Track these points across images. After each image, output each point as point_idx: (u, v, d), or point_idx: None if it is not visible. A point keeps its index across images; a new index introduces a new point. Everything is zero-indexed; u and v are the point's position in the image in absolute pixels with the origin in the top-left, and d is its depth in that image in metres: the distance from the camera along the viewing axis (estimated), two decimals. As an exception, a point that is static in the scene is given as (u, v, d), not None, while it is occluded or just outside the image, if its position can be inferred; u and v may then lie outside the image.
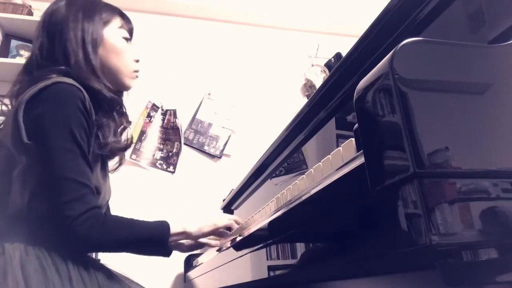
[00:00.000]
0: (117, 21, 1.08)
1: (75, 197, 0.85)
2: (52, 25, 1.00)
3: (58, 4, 1.03)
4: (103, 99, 0.98)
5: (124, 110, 1.10)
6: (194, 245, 1.23)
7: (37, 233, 0.88)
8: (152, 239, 0.96)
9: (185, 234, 1.05)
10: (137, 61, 1.11)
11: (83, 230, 0.84)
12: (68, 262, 0.87)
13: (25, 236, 0.87)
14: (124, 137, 1.08)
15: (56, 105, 0.87)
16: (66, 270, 0.86)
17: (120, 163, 1.16)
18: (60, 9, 1.01)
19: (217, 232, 1.15)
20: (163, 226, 0.99)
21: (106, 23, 1.05)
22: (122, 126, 1.07)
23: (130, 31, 1.12)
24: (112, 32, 1.05)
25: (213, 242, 1.19)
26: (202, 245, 1.24)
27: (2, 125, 0.99)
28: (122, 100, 1.09)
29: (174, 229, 1.00)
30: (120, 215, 0.97)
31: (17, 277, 0.80)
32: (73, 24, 0.99)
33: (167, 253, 1.06)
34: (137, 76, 1.11)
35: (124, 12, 1.13)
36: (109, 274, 0.98)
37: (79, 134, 0.87)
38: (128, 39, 1.09)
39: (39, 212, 0.88)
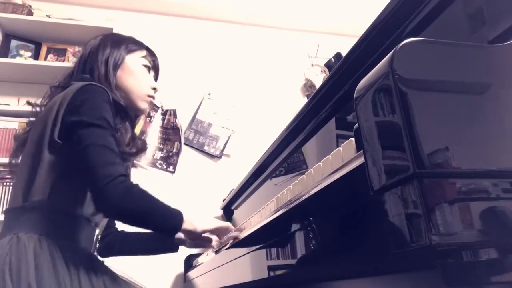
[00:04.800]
0: (141, 52, 1.20)
1: (113, 161, 0.92)
2: (87, 52, 1.17)
3: (97, 38, 1.20)
4: (119, 107, 1.09)
5: (135, 123, 1.22)
6: (196, 243, 1.26)
7: (51, 226, 0.94)
8: (170, 216, 1.03)
9: (192, 225, 1.10)
10: (154, 89, 1.21)
11: (118, 191, 0.89)
12: (76, 258, 0.92)
13: (40, 227, 0.93)
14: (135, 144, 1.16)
15: (92, 98, 0.99)
16: (75, 266, 0.91)
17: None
18: (96, 41, 1.18)
19: (216, 232, 1.19)
20: (178, 211, 1.06)
21: (130, 51, 1.18)
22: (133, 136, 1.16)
23: (155, 64, 1.24)
24: (134, 59, 1.18)
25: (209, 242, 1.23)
26: (203, 243, 1.25)
27: (31, 126, 1.09)
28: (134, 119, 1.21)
29: (185, 216, 1.07)
30: None
31: (29, 267, 0.85)
32: (103, 50, 1.15)
33: (175, 248, 1.24)
34: (151, 101, 1.21)
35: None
36: (113, 275, 1.03)
37: (110, 121, 0.98)
38: (148, 68, 1.21)
39: (57, 206, 0.95)
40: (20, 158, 1.10)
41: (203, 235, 1.22)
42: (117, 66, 1.14)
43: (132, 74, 1.16)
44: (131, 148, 1.10)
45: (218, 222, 1.18)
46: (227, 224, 1.20)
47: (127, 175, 0.94)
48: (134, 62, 1.17)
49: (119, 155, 0.96)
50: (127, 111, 1.13)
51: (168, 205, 1.03)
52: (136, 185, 0.95)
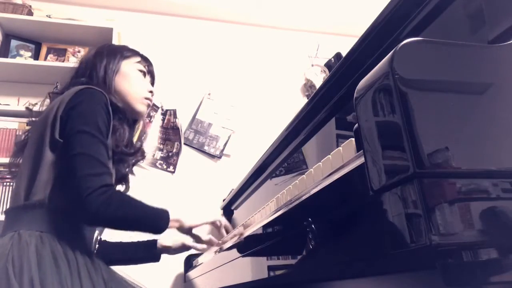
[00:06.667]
0: (136, 58, 1.25)
1: (95, 172, 0.94)
2: (83, 62, 1.22)
3: (91, 50, 1.26)
4: (116, 108, 1.12)
5: (135, 125, 1.25)
6: (179, 249, 1.31)
7: (52, 223, 0.95)
8: (154, 218, 1.06)
9: (179, 222, 1.13)
10: (151, 92, 1.25)
11: (98, 203, 0.91)
12: (77, 255, 0.94)
13: (41, 225, 0.94)
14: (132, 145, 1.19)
15: (86, 101, 1.02)
16: (76, 263, 0.92)
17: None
18: (91, 53, 1.24)
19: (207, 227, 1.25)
20: (164, 211, 1.08)
21: (126, 57, 1.23)
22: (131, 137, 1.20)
23: (150, 70, 1.28)
24: (129, 64, 1.23)
25: (199, 245, 1.25)
26: (187, 248, 1.30)
27: (31, 129, 1.12)
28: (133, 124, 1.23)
29: (172, 215, 1.09)
30: None
31: (31, 263, 0.86)
32: (99, 60, 1.20)
33: (157, 257, 1.25)
34: (149, 104, 1.25)
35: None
36: (112, 273, 1.04)
37: (102, 127, 0.99)
38: (144, 73, 1.25)
39: (57, 204, 0.96)
40: (20, 160, 1.11)
41: (188, 244, 1.25)
42: (114, 71, 1.18)
43: (128, 78, 1.20)
44: (130, 148, 1.13)
45: (206, 217, 1.20)
46: (214, 218, 1.22)
47: (110, 185, 0.96)
48: (129, 66, 1.22)
49: (105, 164, 0.97)
50: (125, 113, 1.16)
51: (152, 206, 1.05)
52: (118, 193, 0.98)
